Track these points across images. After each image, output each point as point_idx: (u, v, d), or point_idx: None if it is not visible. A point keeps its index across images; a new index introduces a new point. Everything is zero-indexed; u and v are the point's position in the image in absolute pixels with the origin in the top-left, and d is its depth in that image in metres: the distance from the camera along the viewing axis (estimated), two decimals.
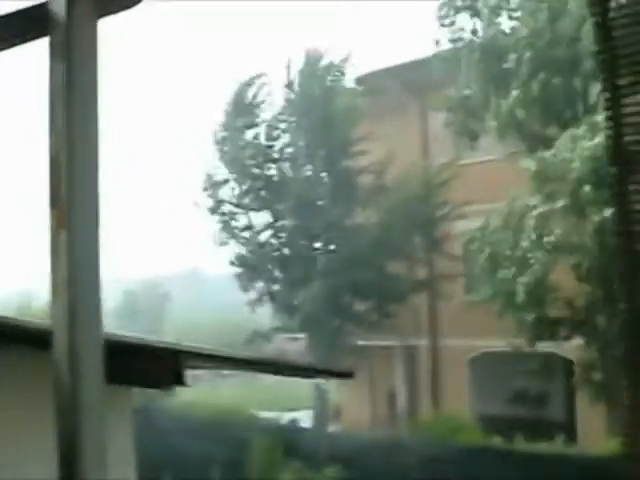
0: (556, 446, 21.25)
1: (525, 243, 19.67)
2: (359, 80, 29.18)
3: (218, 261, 31.33)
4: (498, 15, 21.93)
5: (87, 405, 2.65)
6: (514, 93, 20.77)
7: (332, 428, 28.84)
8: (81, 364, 2.64)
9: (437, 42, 23.11)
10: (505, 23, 22.08)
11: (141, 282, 67.24)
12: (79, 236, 2.63)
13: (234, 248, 29.53)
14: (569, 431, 25.24)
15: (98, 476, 2.75)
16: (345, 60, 28.76)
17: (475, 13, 22.13)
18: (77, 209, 2.62)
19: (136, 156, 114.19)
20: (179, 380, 4.39)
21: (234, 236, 29.29)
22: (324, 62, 28.69)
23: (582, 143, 18.09)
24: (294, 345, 34.22)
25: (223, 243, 29.38)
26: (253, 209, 29.19)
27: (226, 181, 29.32)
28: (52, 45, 2.70)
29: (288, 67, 28.86)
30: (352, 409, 32.41)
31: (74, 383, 2.65)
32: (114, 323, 54.66)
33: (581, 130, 18.60)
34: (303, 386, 31.42)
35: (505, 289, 20.16)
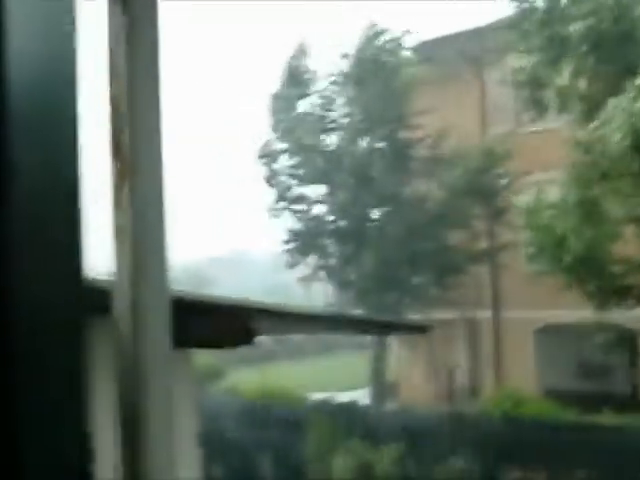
0: (623, 418, 20.98)
1: (577, 214, 19.55)
2: (416, 49, 28.91)
3: (267, 242, 31.20)
4: None
5: (152, 370, 2.55)
6: (572, 62, 20.46)
7: (391, 406, 28.71)
8: (146, 323, 2.56)
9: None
10: None
11: (184, 265, 67.58)
12: (144, 187, 2.55)
13: (287, 222, 29.50)
14: (634, 402, 25.09)
15: (164, 449, 2.66)
16: (402, 30, 28.59)
17: None
18: (140, 158, 2.54)
19: (188, 130, 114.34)
20: (249, 338, 4.28)
21: (288, 208, 29.19)
22: (380, 32, 28.49)
23: (626, 110, 17.84)
24: None
25: (277, 215, 29.29)
26: (308, 181, 29.04)
27: (281, 152, 29.26)
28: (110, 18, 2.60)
29: (344, 37, 28.73)
30: (412, 385, 32.25)
31: (138, 345, 2.55)
32: None
33: (625, 97, 18.32)
34: (359, 366, 31.40)
35: (564, 259, 19.99)
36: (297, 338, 44.09)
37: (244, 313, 4.22)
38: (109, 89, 2.62)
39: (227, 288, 66.63)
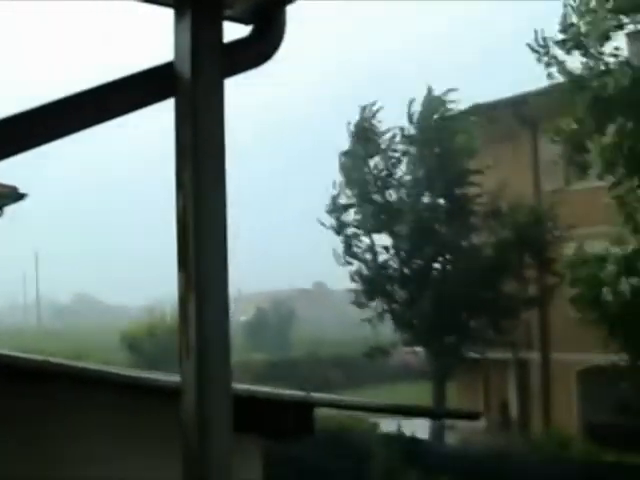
0: None
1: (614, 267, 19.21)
2: (473, 110, 28.73)
3: (341, 277, 31.06)
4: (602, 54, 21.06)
5: (215, 466, 2.44)
6: (613, 127, 20.15)
7: (449, 437, 28.36)
8: (210, 428, 2.44)
9: (549, 75, 22.20)
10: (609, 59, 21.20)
11: (269, 297, 67.89)
12: (208, 299, 2.42)
13: (355, 267, 29.38)
14: None
15: None
16: (461, 92, 28.50)
17: (581, 50, 21.25)
18: (205, 273, 2.41)
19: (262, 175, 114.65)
20: (309, 430, 4.13)
21: (356, 257, 29.12)
22: (442, 95, 28.39)
23: None
24: (414, 358, 33.91)
25: (346, 263, 29.27)
26: (374, 231, 28.94)
27: (350, 205, 29.19)
28: (178, 106, 2.49)
29: (409, 103, 28.60)
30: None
31: (202, 446, 2.43)
32: (247, 339, 55.48)
33: None
34: (421, 394, 31.11)
35: (606, 310, 19.63)
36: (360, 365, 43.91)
37: (304, 407, 4.08)
38: (176, 205, 2.49)
39: (308, 319, 67.21)
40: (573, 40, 20.87)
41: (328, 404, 4.84)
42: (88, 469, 4.57)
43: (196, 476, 2.51)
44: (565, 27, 21.01)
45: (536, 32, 21.56)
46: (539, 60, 21.79)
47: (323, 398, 4.72)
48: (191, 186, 2.46)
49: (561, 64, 21.45)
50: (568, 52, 21.16)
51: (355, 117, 29.25)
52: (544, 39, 21.54)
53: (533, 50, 21.66)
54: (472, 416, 11.27)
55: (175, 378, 3.28)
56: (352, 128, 29.14)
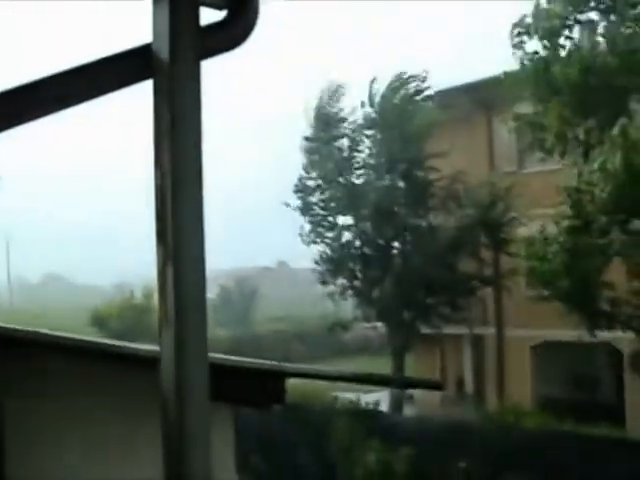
0: (614, 430, 20.50)
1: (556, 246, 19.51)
2: (433, 96, 28.78)
3: (304, 256, 31.12)
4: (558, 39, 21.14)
5: (193, 432, 2.48)
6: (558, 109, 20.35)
7: (407, 410, 28.57)
8: (188, 395, 2.48)
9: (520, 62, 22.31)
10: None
11: (233, 276, 67.54)
12: (186, 270, 2.46)
13: (319, 246, 29.44)
14: (619, 412, 25.04)
15: None
16: (421, 78, 28.43)
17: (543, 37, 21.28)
18: (183, 244, 2.46)
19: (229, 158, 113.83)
20: (280, 400, 4.17)
21: (320, 236, 29.14)
22: (403, 79, 28.35)
23: (605, 159, 17.66)
24: (374, 333, 34.05)
25: (311, 242, 29.28)
26: (337, 212, 28.97)
27: (315, 187, 29.18)
28: (156, 86, 2.51)
29: (370, 83, 28.56)
30: (424, 391, 32.14)
31: (181, 412, 2.48)
32: (212, 316, 55.35)
33: (606, 145, 18.09)
34: (381, 368, 31.31)
35: (558, 288, 19.86)
36: (321, 341, 44.15)
37: (276, 377, 4.12)
38: (155, 179, 2.52)
39: (271, 296, 66.94)
40: (537, 30, 21.02)
41: (298, 374, 4.90)
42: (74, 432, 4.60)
43: (175, 440, 2.56)
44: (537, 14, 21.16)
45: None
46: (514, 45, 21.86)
47: (294, 368, 4.78)
48: (169, 164, 2.50)
49: (528, 54, 21.56)
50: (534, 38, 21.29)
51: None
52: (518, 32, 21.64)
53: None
54: (436, 386, 11.36)
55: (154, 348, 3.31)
56: (313, 112, 29.07)
